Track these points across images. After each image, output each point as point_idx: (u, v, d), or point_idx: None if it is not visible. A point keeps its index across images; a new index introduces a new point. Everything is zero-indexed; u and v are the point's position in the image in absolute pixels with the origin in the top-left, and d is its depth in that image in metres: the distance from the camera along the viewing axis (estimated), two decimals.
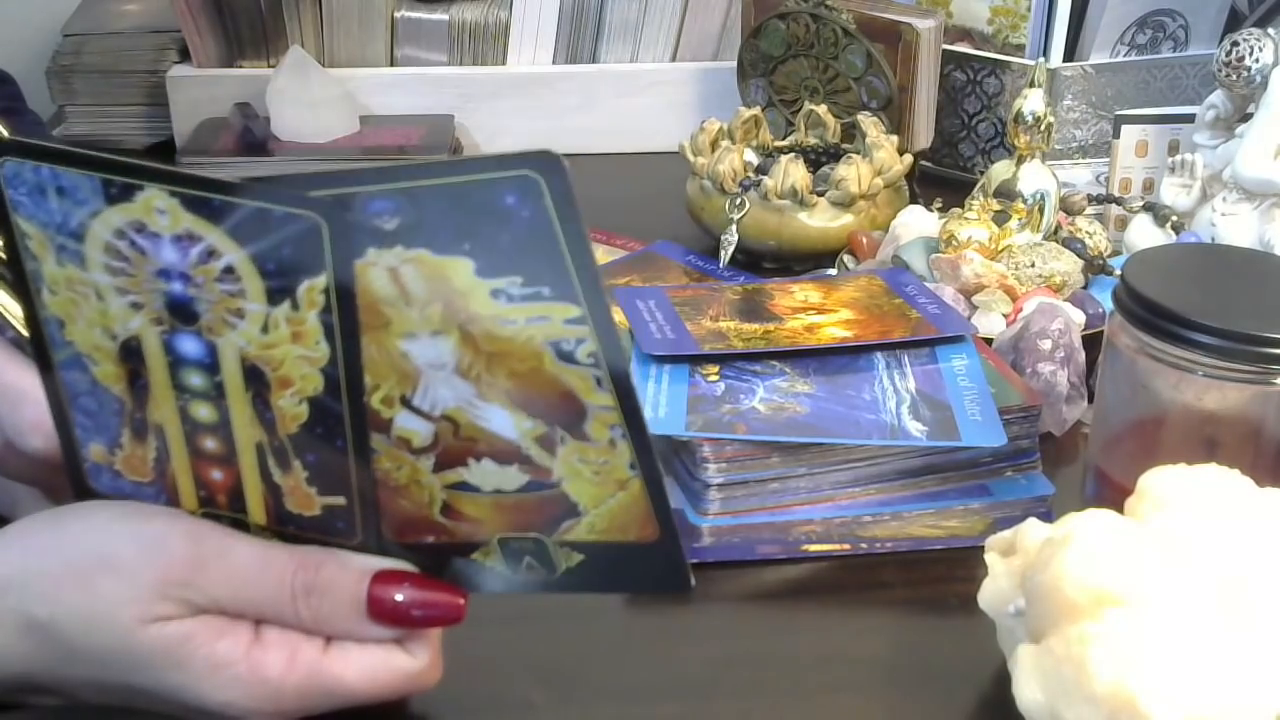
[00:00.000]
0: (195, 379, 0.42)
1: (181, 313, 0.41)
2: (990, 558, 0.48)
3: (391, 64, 1.07)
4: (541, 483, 0.41)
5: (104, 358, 0.43)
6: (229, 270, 0.40)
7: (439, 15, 1.06)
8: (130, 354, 0.42)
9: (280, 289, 0.39)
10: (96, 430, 0.44)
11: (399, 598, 0.43)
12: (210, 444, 0.43)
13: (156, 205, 0.39)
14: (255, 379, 0.41)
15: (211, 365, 0.41)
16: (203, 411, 0.43)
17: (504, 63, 1.08)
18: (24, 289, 0.43)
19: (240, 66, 1.06)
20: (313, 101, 0.99)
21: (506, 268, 0.38)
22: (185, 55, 1.06)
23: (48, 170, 0.40)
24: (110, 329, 0.42)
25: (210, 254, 0.39)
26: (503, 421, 0.40)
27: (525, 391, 0.40)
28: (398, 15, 1.05)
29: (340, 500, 0.43)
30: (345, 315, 0.40)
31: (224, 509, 0.44)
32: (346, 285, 0.39)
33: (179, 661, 0.41)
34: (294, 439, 0.42)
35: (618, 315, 0.76)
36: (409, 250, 0.38)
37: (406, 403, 0.41)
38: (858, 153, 0.86)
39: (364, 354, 0.40)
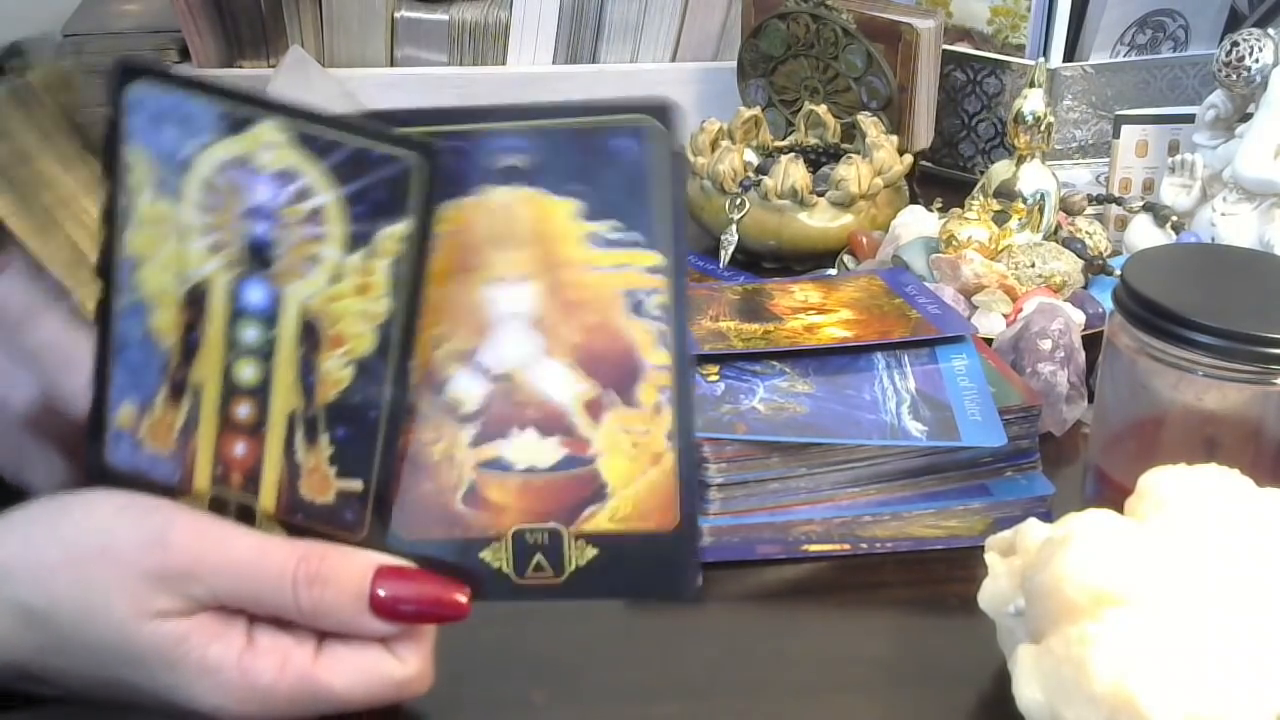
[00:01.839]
0: (250, 333, 0.42)
1: (259, 257, 0.42)
2: (990, 558, 0.48)
3: (391, 64, 1.07)
4: (577, 458, 0.42)
5: (167, 304, 0.43)
6: (316, 212, 0.40)
7: (439, 15, 1.06)
8: (194, 301, 0.43)
9: (361, 234, 0.40)
10: (133, 387, 0.44)
11: (402, 592, 0.43)
12: (244, 411, 0.43)
13: (266, 139, 0.41)
14: (309, 337, 0.42)
15: (271, 317, 0.42)
16: (247, 372, 0.43)
17: (504, 63, 1.07)
18: (110, 225, 0.43)
19: (240, 66, 1.06)
20: (312, 101, 0.98)
21: (608, 211, 0.39)
22: (185, 55, 1.06)
23: (174, 97, 0.42)
24: (184, 272, 0.42)
25: (303, 194, 0.40)
26: (559, 382, 0.41)
27: (591, 347, 0.41)
28: (398, 15, 1.05)
29: (357, 485, 0.43)
30: (416, 267, 0.40)
31: (235, 490, 0.44)
32: (424, 234, 0.40)
33: (172, 662, 0.41)
34: (330, 408, 0.42)
35: None
36: (528, 188, 0.39)
37: (470, 359, 0.41)
38: (858, 153, 0.86)
39: (442, 302, 0.41)
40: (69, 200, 0.53)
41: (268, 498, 0.44)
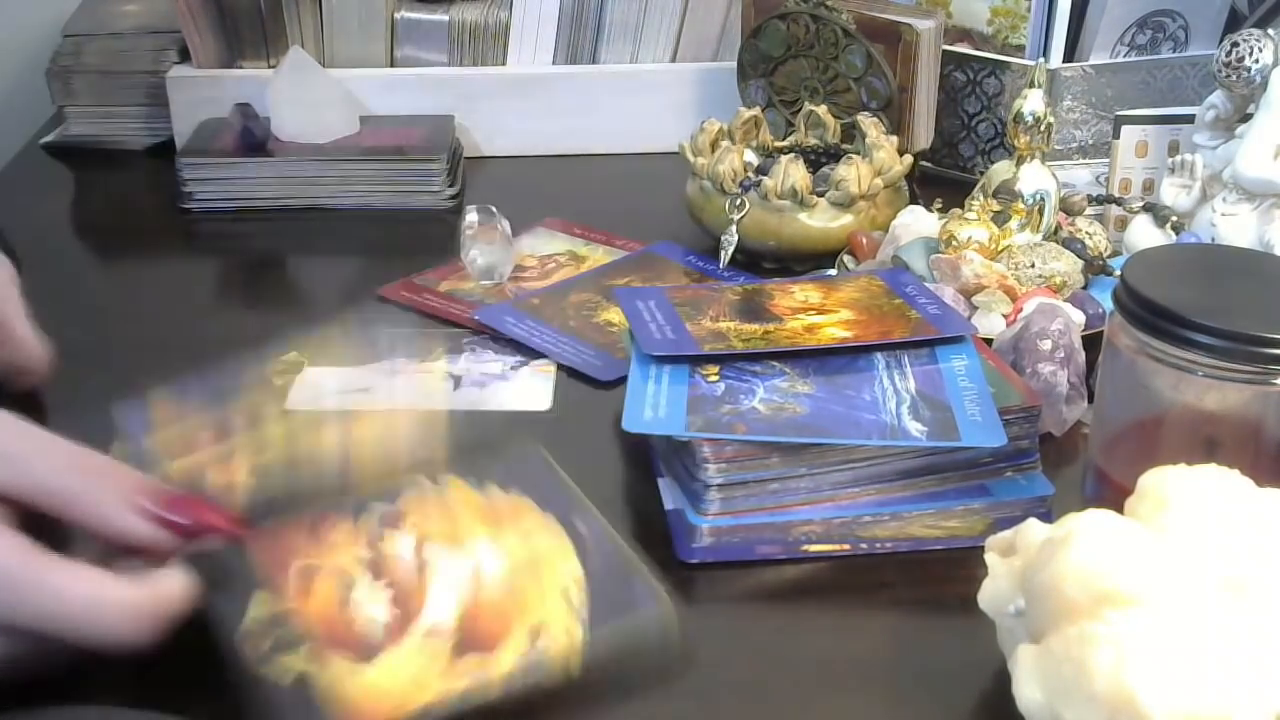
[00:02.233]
0: None
1: None
2: (990, 558, 0.48)
3: (391, 64, 1.07)
4: None
5: None
6: None
7: (439, 16, 1.06)
8: None
9: None
10: None
11: (173, 499, 0.45)
12: None
13: None
14: None
15: None
16: None
17: (504, 63, 1.08)
18: None
19: (240, 67, 1.06)
20: (313, 102, 0.99)
21: None
22: (185, 56, 1.06)
23: None
24: None
25: None
26: None
27: None
28: (398, 16, 1.05)
29: None
30: None
31: None
32: None
33: None
34: None
35: (618, 315, 0.76)
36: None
37: None
38: (858, 153, 0.86)
39: None
40: None
41: None
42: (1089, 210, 0.81)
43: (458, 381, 0.72)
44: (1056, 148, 0.94)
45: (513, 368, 0.74)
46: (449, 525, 0.50)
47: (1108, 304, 0.57)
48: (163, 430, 0.54)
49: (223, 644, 0.46)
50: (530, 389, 0.71)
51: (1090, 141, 0.96)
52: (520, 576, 0.48)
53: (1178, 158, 0.80)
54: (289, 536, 0.48)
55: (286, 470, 0.53)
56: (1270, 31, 0.77)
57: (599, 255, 0.88)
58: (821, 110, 0.91)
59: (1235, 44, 0.77)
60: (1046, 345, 0.64)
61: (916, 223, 0.78)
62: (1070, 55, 0.95)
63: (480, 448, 0.55)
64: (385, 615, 0.46)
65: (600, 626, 0.47)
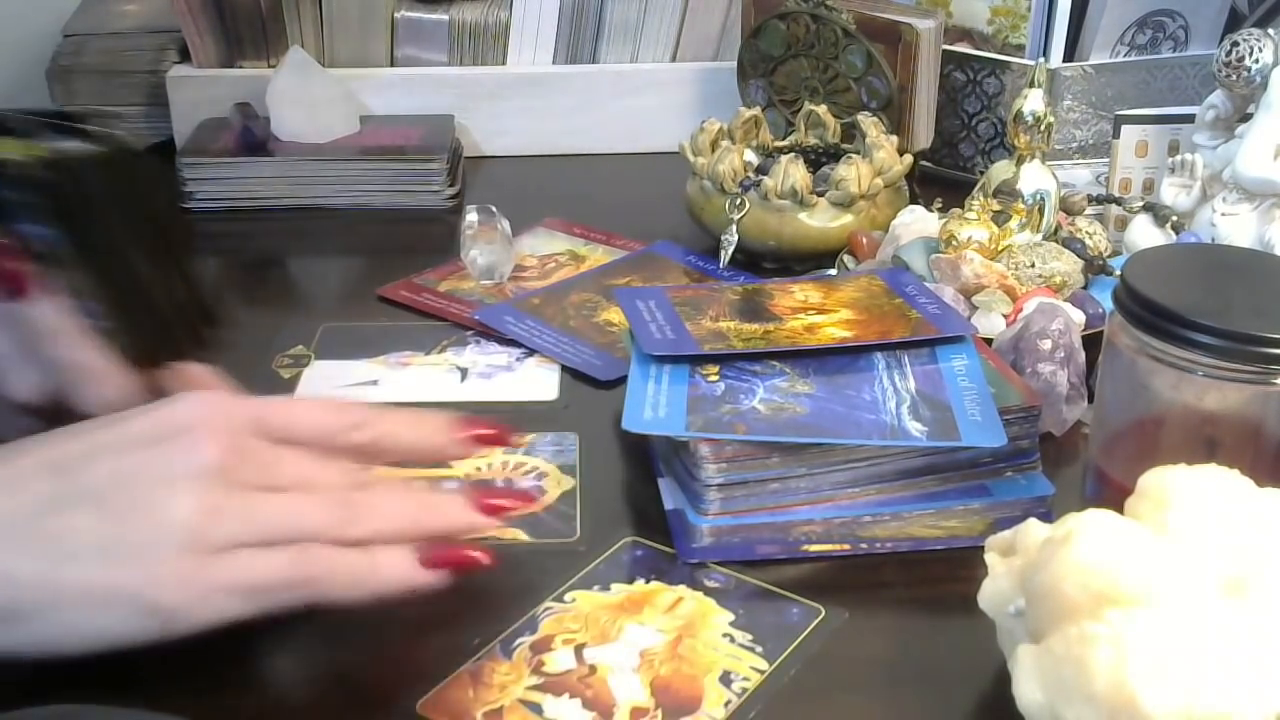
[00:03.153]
0: None
1: None
2: (990, 558, 0.48)
3: (391, 64, 1.07)
4: None
5: None
6: None
7: (439, 15, 1.06)
8: None
9: None
10: None
11: None
12: None
13: None
14: None
15: None
16: None
17: (504, 63, 1.08)
18: None
19: (240, 66, 1.06)
20: (313, 101, 0.99)
21: None
22: (185, 55, 1.06)
23: None
24: None
25: None
26: None
27: None
28: (398, 15, 1.05)
29: None
30: None
31: None
32: None
33: None
34: None
35: (618, 315, 0.76)
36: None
37: None
38: (858, 153, 0.86)
39: None
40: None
41: None
42: (1089, 210, 0.81)
43: (464, 374, 0.72)
44: (1056, 147, 0.94)
45: (518, 359, 0.74)
46: (595, 628, 0.52)
47: (1108, 304, 0.57)
48: None
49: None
50: (537, 379, 0.72)
51: (1090, 141, 0.96)
52: (681, 641, 0.51)
53: (1178, 157, 0.80)
54: (456, 693, 0.48)
55: None
56: (1270, 31, 0.77)
57: (599, 255, 0.88)
58: (821, 110, 0.91)
59: (1235, 44, 0.77)
60: (1046, 345, 0.64)
61: (916, 223, 0.78)
62: (1070, 55, 0.95)
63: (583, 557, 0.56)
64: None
65: (774, 654, 0.50)
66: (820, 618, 0.52)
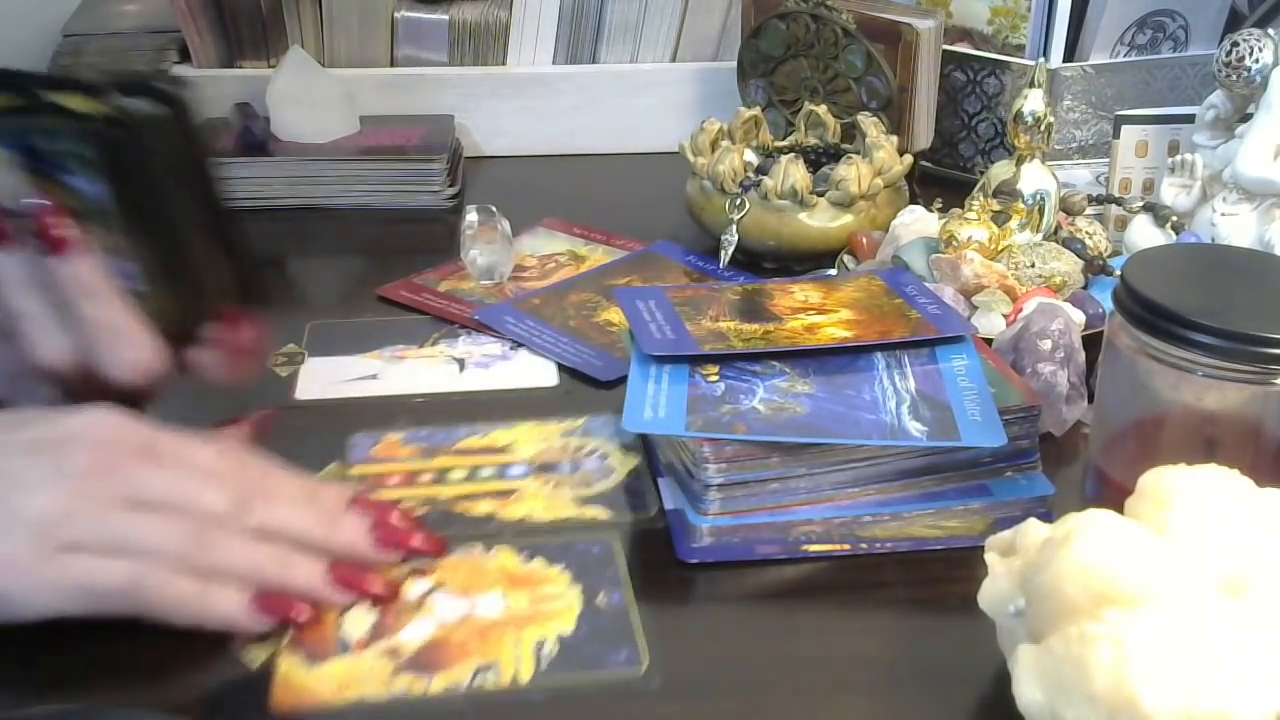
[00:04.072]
0: None
1: None
2: (990, 558, 0.48)
3: (391, 64, 1.07)
4: None
5: None
6: None
7: (439, 15, 1.06)
8: None
9: None
10: None
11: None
12: None
13: None
14: None
15: None
16: None
17: (504, 63, 1.08)
18: None
19: (240, 66, 1.06)
20: (313, 101, 0.99)
21: None
22: (185, 55, 1.06)
23: None
24: None
25: None
26: None
27: None
28: (398, 15, 1.05)
29: None
30: None
31: None
32: None
33: None
34: None
35: (618, 315, 0.76)
36: None
37: None
38: (858, 153, 0.86)
39: None
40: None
41: None
42: (1089, 210, 0.81)
43: (462, 364, 0.73)
44: (1056, 147, 0.94)
45: (512, 347, 0.75)
46: (470, 580, 0.54)
47: (1108, 304, 0.57)
48: (375, 464, 0.63)
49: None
50: (535, 366, 0.73)
51: (1090, 141, 0.96)
52: (504, 627, 0.51)
53: (1178, 158, 0.80)
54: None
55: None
56: (1270, 31, 0.77)
57: (599, 255, 0.88)
58: (821, 110, 0.91)
59: (1235, 44, 0.77)
60: (1046, 345, 0.64)
61: (916, 223, 0.78)
62: (1070, 55, 0.95)
63: (553, 532, 0.58)
64: (360, 634, 0.51)
65: (556, 674, 0.49)
66: (629, 675, 0.50)
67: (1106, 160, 0.90)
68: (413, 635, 0.51)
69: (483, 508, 0.59)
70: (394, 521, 0.54)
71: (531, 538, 0.57)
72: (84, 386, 0.53)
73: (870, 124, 0.87)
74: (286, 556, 0.51)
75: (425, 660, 0.49)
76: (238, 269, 0.57)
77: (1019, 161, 0.77)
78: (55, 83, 0.53)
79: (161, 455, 0.50)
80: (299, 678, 0.48)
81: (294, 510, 0.52)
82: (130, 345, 0.53)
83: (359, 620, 0.51)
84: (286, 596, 0.50)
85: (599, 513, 0.59)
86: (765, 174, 0.84)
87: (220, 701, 0.48)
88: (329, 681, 0.48)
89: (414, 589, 0.53)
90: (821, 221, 0.83)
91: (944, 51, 0.93)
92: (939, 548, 0.57)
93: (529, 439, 0.65)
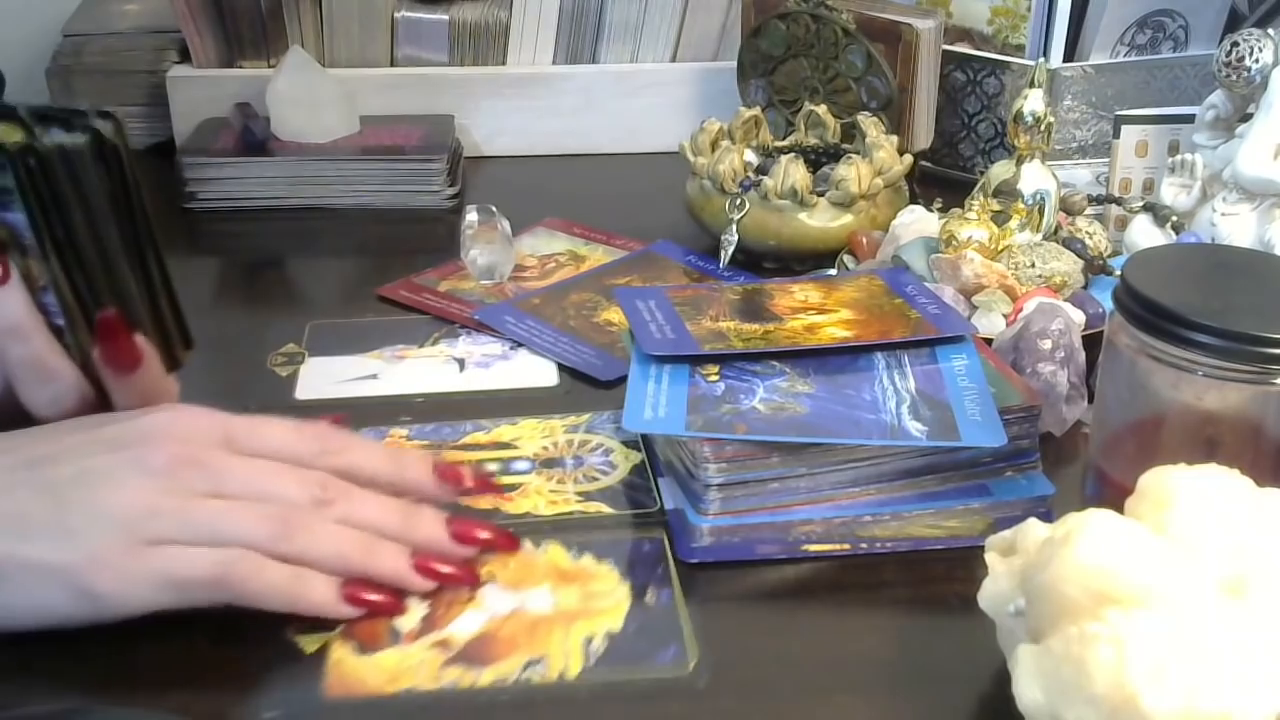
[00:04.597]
0: None
1: None
2: (990, 558, 0.48)
3: (392, 64, 1.07)
4: None
5: None
6: None
7: (439, 15, 1.06)
8: None
9: None
10: None
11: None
12: None
13: None
14: None
15: None
16: None
17: (504, 63, 1.08)
18: None
19: (240, 66, 1.06)
20: (313, 102, 0.99)
21: None
22: (185, 55, 1.06)
23: None
24: None
25: None
26: None
27: None
28: (398, 15, 1.05)
29: None
30: None
31: None
32: None
33: None
34: None
35: (618, 315, 0.76)
36: None
37: None
38: (858, 153, 0.86)
39: None
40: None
41: None
42: (1089, 210, 0.81)
43: (462, 364, 0.73)
44: (1056, 147, 0.94)
45: (512, 347, 0.75)
46: (520, 576, 0.55)
47: (1108, 304, 0.57)
48: None
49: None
50: (535, 365, 0.73)
51: (1090, 141, 0.96)
52: (553, 622, 0.52)
53: (1178, 158, 0.80)
54: None
55: None
56: (1270, 31, 0.77)
57: (599, 255, 0.88)
58: (821, 110, 0.91)
59: (1235, 44, 0.77)
60: (1046, 345, 0.64)
61: (916, 223, 0.78)
62: (1070, 55, 0.95)
63: (599, 528, 0.58)
64: (410, 626, 0.51)
65: (604, 670, 0.50)
66: (674, 673, 0.50)
67: (1106, 160, 0.90)
68: (463, 628, 0.51)
69: (485, 503, 0.59)
70: (467, 481, 0.56)
71: (582, 533, 0.58)
72: (7, 419, 0.53)
73: (870, 124, 0.87)
74: (371, 543, 0.51)
75: (474, 653, 0.50)
76: (159, 301, 0.57)
77: (1019, 161, 0.77)
78: None
79: (242, 445, 0.51)
80: (351, 666, 0.49)
81: (376, 504, 0.53)
82: (53, 383, 0.53)
83: (410, 611, 0.52)
84: (373, 585, 0.51)
85: (601, 507, 0.59)
86: (765, 174, 0.84)
87: (274, 687, 0.48)
88: (380, 671, 0.49)
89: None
90: (821, 221, 0.83)
91: (944, 51, 0.93)
92: (939, 548, 0.57)
93: (533, 435, 0.65)
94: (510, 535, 0.56)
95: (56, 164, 0.52)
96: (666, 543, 0.57)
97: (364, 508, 0.52)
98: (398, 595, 0.52)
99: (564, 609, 0.53)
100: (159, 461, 0.49)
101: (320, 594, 0.50)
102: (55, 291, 0.53)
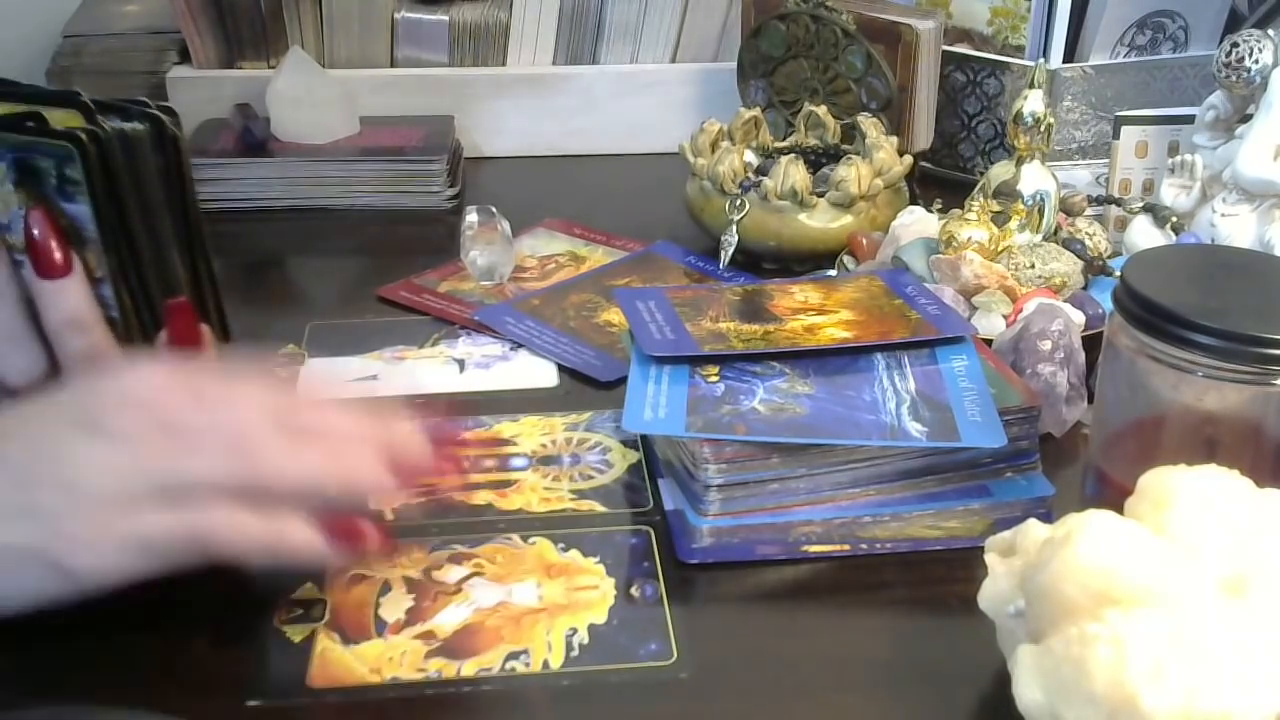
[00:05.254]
0: None
1: None
2: (990, 558, 0.48)
3: (392, 64, 1.07)
4: None
5: None
6: None
7: (439, 16, 1.06)
8: None
9: None
10: None
11: None
12: None
13: None
14: None
15: None
16: None
17: (504, 63, 1.08)
18: None
19: (240, 67, 1.06)
20: (313, 102, 0.99)
21: None
22: (185, 56, 1.06)
23: None
24: None
25: None
26: None
27: None
28: (398, 16, 1.05)
29: None
30: None
31: None
32: None
33: None
34: None
35: (618, 315, 0.76)
36: None
37: None
38: (857, 153, 0.86)
39: None
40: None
41: None
42: (1089, 210, 0.81)
43: (462, 365, 0.73)
44: (1056, 148, 0.94)
45: (512, 348, 0.75)
46: (506, 569, 0.55)
47: (1108, 304, 0.57)
48: None
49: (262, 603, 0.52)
50: (535, 366, 0.73)
51: (1090, 142, 0.96)
52: (537, 615, 0.52)
53: (1178, 158, 0.80)
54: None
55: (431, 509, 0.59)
56: (1270, 32, 0.77)
57: (599, 255, 0.88)
58: (821, 110, 0.91)
59: (1235, 44, 0.77)
60: (1046, 345, 0.64)
61: (916, 223, 0.78)
62: (1070, 56, 0.95)
63: (592, 527, 0.58)
64: (395, 618, 0.52)
65: (586, 663, 0.50)
66: (659, 668, 0.50)
67: (1106, 161, 0.90)
68: (448, 619, 0.52)
69: (481, 498, 0.60)
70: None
71: (566, 528, 0.58)
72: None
73: (870, 125, 0.87)
74: (337, 448, 0.49)
75: (458, 645, 0.51)
76: (205, 294, 0.58)
77: (1019, 162, 0.77)
78: (42, 96, 0.53)
79: (206, 396, 0.49)
80: (336, 656, 0.50)
81: (338, 411, 0.51)
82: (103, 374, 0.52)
83: (396, 603, 0.53)
84: (351, 519, 0.49)
85: (594, 505, 0.60)
86: (765, 175, 0.84)
87: (259, 676, 0.49)
88: (364, 661, 0.50)
89: (452, 574, 0.54)
90: (821, 222, 0.83)
91: (944, 52, 0.93)
92: (939, 548, 0.57)
93: (533, 432, 0.65)
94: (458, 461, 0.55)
95: (117, 151, 0.52)
96: (654, 540, 0.57)
97: (326, 417, 0.50)
98: (385, 529, 0.51)
99: (549, 602, 0.53)
100: (122, 428, 0.47)
101: (300, 536, 0.47)
102: (111, 284, 0.54)
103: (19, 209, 0.53)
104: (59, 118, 0.53)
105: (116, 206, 0.53)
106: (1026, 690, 0.42)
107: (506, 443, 0.65)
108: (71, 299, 0.52)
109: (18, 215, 0.53)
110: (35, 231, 0.52)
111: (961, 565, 0.55)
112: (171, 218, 0.55)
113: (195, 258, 0.57)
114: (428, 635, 0.51)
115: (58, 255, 0.52)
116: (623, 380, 0.66)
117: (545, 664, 0.50)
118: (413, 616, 0.52)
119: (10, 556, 0.46)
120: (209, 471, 0.47)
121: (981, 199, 0.76)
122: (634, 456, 0.63)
